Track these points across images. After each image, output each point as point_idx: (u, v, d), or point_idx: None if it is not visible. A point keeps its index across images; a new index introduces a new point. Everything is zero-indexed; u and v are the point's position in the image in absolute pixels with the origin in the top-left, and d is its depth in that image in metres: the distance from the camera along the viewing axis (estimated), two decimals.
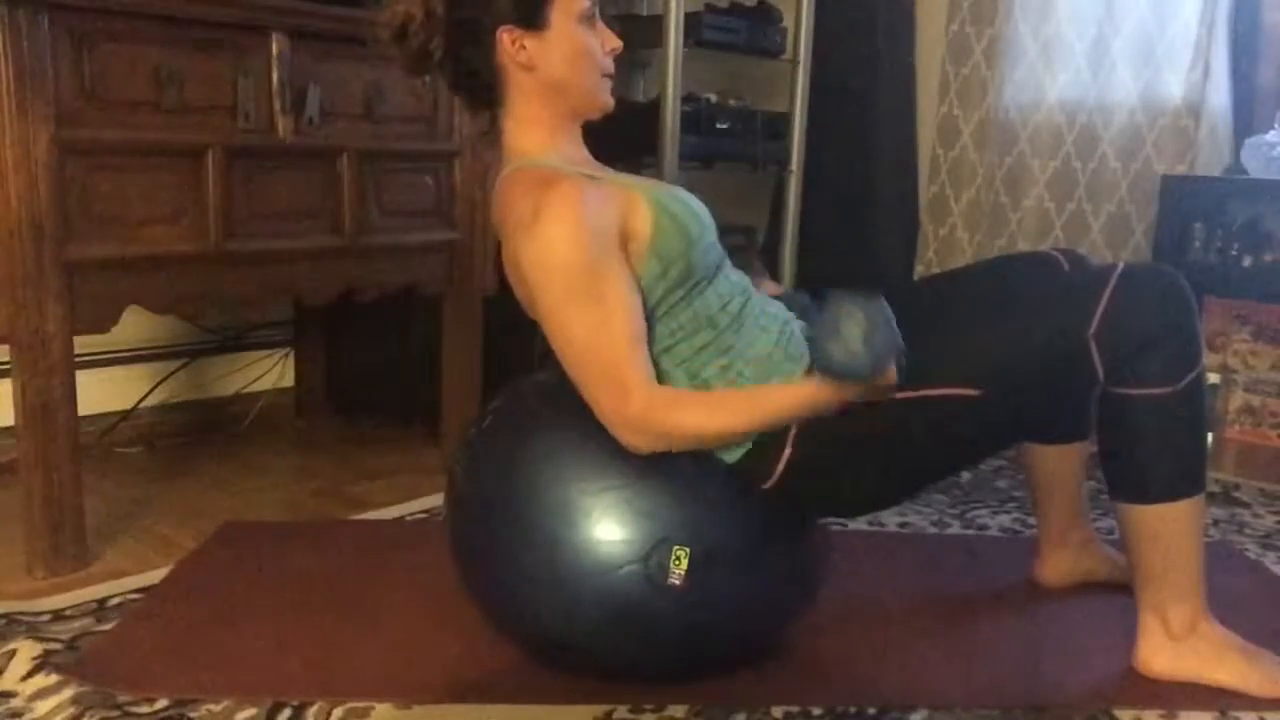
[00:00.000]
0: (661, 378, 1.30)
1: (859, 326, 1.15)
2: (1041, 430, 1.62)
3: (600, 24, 1.37)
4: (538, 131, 1.36)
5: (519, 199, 1.29)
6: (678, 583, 1.25)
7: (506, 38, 1.32)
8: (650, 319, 1.29)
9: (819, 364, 1.20)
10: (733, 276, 1.38)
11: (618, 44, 1.38)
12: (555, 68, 1.33)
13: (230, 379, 2.60)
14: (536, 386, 1.42)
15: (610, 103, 1.40)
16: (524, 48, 1.32)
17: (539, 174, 1.30)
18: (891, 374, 1.21)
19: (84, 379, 1.72)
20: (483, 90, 1.37)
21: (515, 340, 2.20)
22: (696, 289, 1.31)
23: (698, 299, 1.31)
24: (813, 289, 1.30)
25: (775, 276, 2.92)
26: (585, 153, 1.41)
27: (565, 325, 1.27)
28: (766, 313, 1.38)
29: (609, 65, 1.38)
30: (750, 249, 1.46)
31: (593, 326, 1.24)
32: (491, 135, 1.41)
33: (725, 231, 1.51)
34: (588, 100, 1.37)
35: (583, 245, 1.24)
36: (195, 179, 1.75)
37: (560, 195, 1.24)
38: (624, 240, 1.28)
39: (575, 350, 1.27)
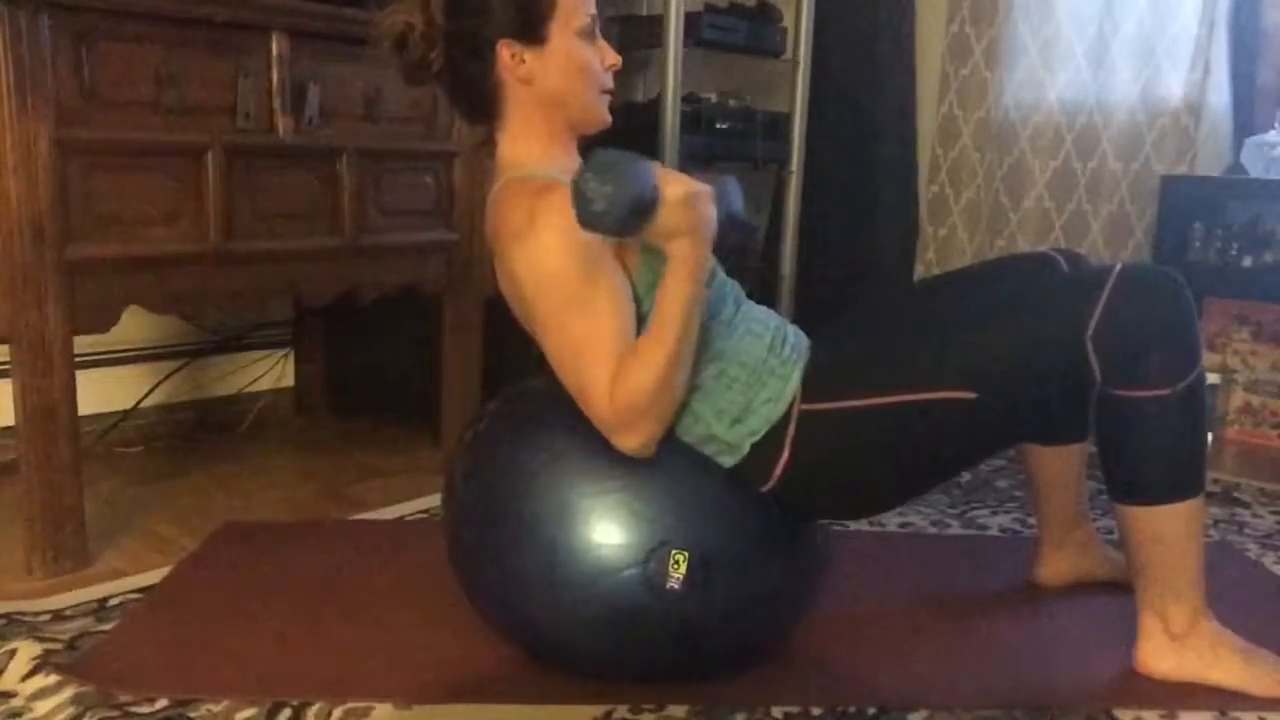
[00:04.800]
0: None
1: (590, 176, 1.15)
2: (1041, 431, 1.62)
3: (600, 39, 1.37)
4: (534, 144, 1.36)
5: (513, 209, 1.29)
6: (677, 586, 1.25)
7: (506, 51, 1.31)
8: (643, 328, 1.29)
9: (607, 232, 1.18)
10: (724, 286, 1.38)
11: (617, 59, 1.38)
12: (554, 82, 1.33)
13: (230, 379, 2.60)
14: (534, 389, 1.42)
15: (607, 119, 1.39)
16: (523, 61, 1.32)
17: (533, 184, 1.29)
18: (675, 185, 1.17)
19: (84, 379, 1.72)
20: (480, 102, 1.37)
21: (514, 341, 2.20)
22: None
23: None
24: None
25: (775, 276, 2.93)
26: (580, 164, 1.41)
27: (558, 333, 1.26)
28: (758, 319, 1.38)
29: (608, 81, 1.38)
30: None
31: (584, 334, 1.24)
32: (488, 147, 1.41)
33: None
34: (585, 115, 1.37)
35: (576, 253, 1.24)
36: (195, 179, 1.75)
37: (554, 204, 1.24)
38: (618, 250, 1.28)
39: (567, 357, 1.27)
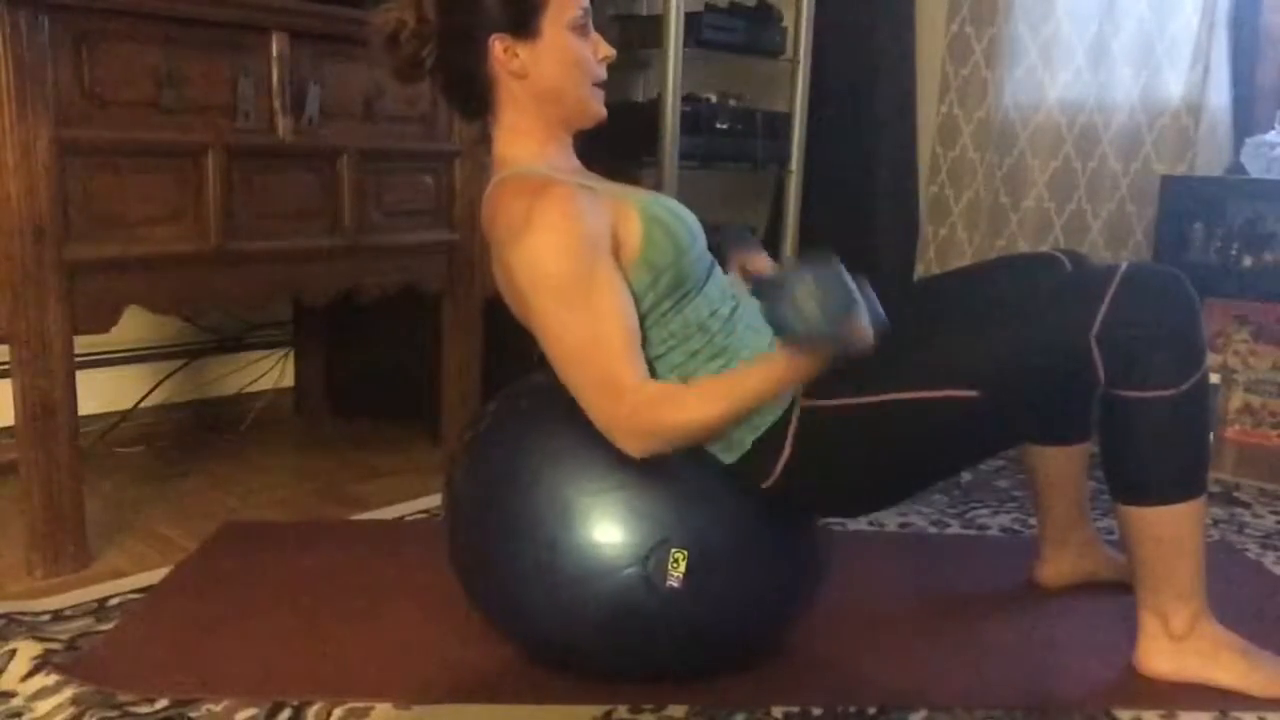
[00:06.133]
0: None
1: (811, 291, 1.14)
2: (1043, 431, 1.62)
3: (593, 32, 1.37)
4: (528, 140, 1.36)
5: (510, 205, 1.29)
6: (677, 585, 1.25)
7: (498, 46, 1.31)
8: (642, 328, 1.29)
9: (779, 333, 1.19)
10: (722, 282, 1.38)
11: (610, 52, 1.38)
12: (547, 76, 1.33)
13: (230, 379, 2.60)
14: (534, 388, 1.41)
15: (602, 112, 1.39)
16: (516, 56, 1.32)
17: (530, 181, 1.30)
18: (859, 330, 1.17)
19: (84, 379, 1.72)
20: (474, 98, 1.37)
21: (515, 340, 2.20)
22: (687, 297, 1.31)
23: (688, 306, 1.31)
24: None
25: None
26: (575, 162, 1.41)
27: (558, 331, 1.26)
28: (759, 314, 1.38)
29: (601, 73, 1.38)
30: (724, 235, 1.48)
31: (586, 332, 1.24)
32: (484, 143, 1.41)
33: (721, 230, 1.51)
34: (579, 109, 1.37)
35: (575, 251, 1.24)
36: (195, 179, 1.75)
37: (552, 201, 1.24)
38: (615, 248, 1.28)
39: (568, 356, 1.27)
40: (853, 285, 1.16)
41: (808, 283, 1.14)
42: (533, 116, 1.35)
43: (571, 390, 1.28)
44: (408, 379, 2.51)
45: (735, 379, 1.25)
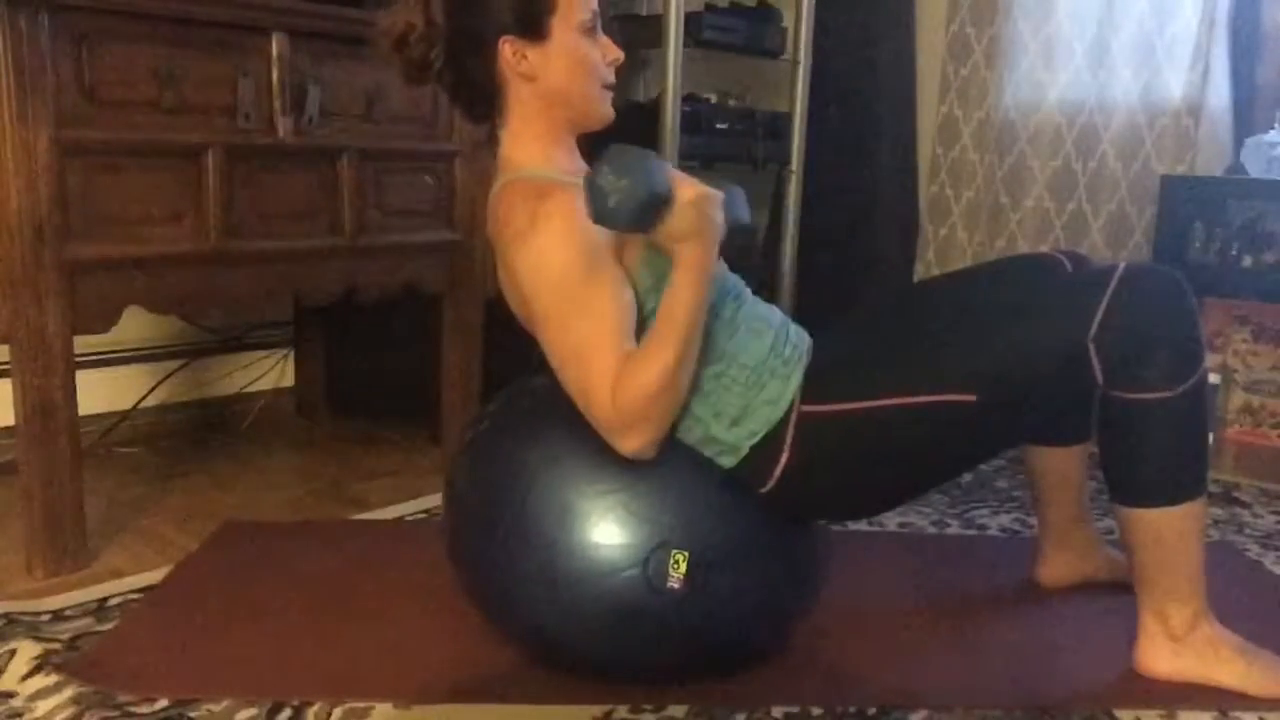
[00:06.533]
0: None
1: (606, 170, 1.15)
2: (1043, 432, 1.62)
3: (601, 35, 1.37)
4: (535, 143, 1.36)
5: (515, 209, 1.29)
6: (677, 586, 1.25)
7: (507, 48, 1.31)
8: (644, 330, 1.29)
9: (618, 227, 1.19)
10: (724, 285, 1.38)
11: (619, 54, 1.38)
12: (556, 78, 1.33)
13: (230, 379, 2.60)
14: (534, 389, 1.41)
15: (610, 115, 1.39)
16: (525, 58, 1.32)
17: (535, 185, 1.30)
18: (679, 181, 1.18)
19: (84, 379, 1.72)
20: (482, 100, 1.37)
21: (515, 341, 2.20)
22: None
23: None
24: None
25: (775, 277, 2.93)
26: (581, 164, 1.41)
27: (560, 334, 1.26)
28: (761, 317, 1.38)
29: (610, 76, 1.38)
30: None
31: (586, 336, 1.24)
32: (490, 146, 1.41)
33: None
34: (588, 111, 1.37)
35: (577, 255, 1.24)
36: (195, 179, 1.75)
37: (556, 205, 1.25)
38: (619, 250, 1.28)
39: (567, 359, 1.26)
40: (647, 154, 1.17)
41: (601, 167, 1.16)
42: (540, 119, 1.35)
43: (569, 392, 1.28)
44: (408, 379, 2.51)
45: (660, 314, 1.23)
